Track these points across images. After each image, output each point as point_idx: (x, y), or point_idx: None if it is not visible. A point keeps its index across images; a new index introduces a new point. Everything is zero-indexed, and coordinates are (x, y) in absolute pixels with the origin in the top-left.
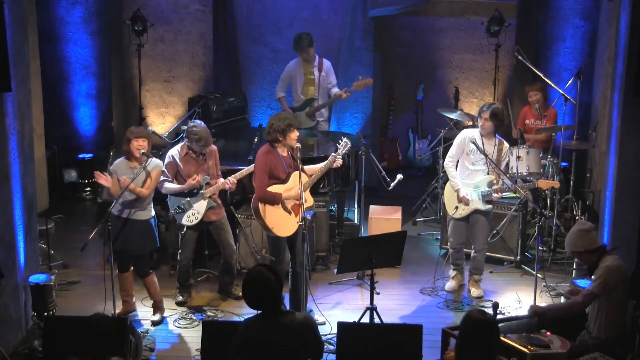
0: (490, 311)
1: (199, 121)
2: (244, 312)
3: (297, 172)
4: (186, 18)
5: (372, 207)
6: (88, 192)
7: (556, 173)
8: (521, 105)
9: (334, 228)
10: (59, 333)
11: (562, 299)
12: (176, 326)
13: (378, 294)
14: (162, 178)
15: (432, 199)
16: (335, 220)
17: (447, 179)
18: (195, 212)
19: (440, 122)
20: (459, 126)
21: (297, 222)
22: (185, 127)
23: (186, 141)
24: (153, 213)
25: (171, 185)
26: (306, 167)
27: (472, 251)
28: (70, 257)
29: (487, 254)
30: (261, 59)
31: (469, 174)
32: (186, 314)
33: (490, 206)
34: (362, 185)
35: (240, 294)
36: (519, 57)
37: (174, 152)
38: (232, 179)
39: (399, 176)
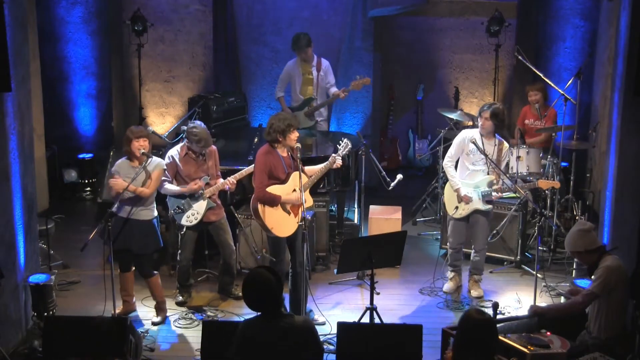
0: (490, 311)
1: (198, 122)
2: (244, 312)
3: (297, 173)
4: (186, 18)
5: (372, 207)
6: (88, 192)
7: (556, 173)
8: (521, 105)
9: (334, 228)
10: (59, 333)
11: (562, 299)
12: (176, 326)
13: (378, 294)
14: (162, 178)
15: (432, 199)
16: (335, 220)
17: (447, 179)
18: (194, 213)
19: (440, 122)
20: (459, 126)
21: (297, 223)
22: (185, 128)
23: (186, 142)
24: (156, 213)
25: (172, 187)
26: (306, 168)
27: (472, 251)
28: (70, 257)
29: (487, 254)
30: (261, 59)
31: (469, 174)
32: (186, 314)
33: (490, 206)
34: (362, 185)
35: (240, 294)
36: (519, 57)
37: (174, 152)
38: (232, 179)
39: (399, 176)
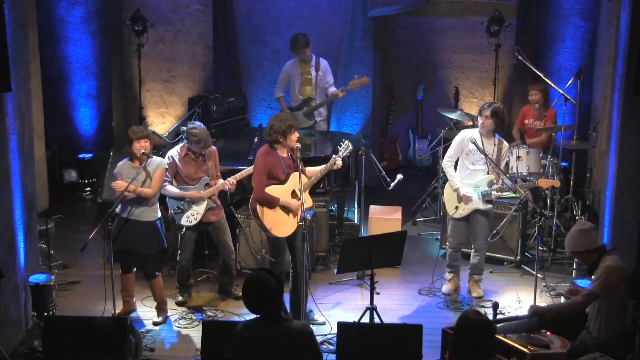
0: (490, 311)
1: (198, 122)
2: (243, 312)
3: (296, 173)
4: (186, 18)
5: (372, 207)
6: (88, 192)
7: (556, 173)
8: (521, 105)
9: (334, 228)
10: (59, 333)
11: (562, 299)
12: (176, 326)
13: (378, 294)
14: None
15: (432, 199)
16: (335, 220)
17: (447, 179)
18: (194, 213)
19: (440, 122)
20: (459, 126)
21: (296, 223)
22: (184, 128)
23: (185, 142)
24: (159, 214)
25: (172, 189)
26: (306, 169)
27: (472, 251)
28: (70, 257)
29: (487, 254)
30: (261, 59)
31: (469, 174)
32: (186, 314)
33: (490, 206)
34: (362, 185)
35: (240, 294)
36: (519, 57)
37: (174, 152)
38: (232, 180)
39: (399, 176)
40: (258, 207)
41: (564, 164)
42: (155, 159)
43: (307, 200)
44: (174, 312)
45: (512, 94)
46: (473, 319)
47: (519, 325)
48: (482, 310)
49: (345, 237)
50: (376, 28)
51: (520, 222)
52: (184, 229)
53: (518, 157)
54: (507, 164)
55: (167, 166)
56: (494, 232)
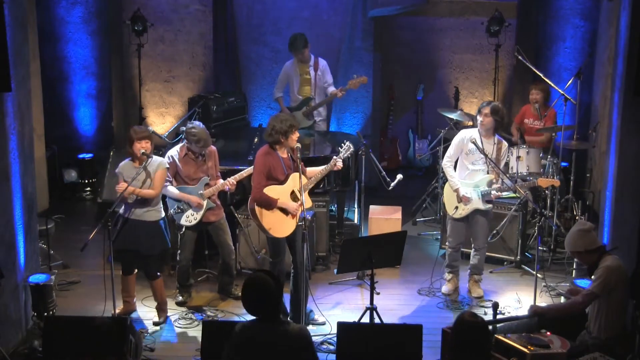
0: (490, 311)
1: (197, 122)
2: (243, 312)
3: (296, 174)
4: (186, 18)
5: (372, 207)
6: (88, 192)
7: (556, 173)
8: (521, 105)
9: (334, 228)
10: (59, 333)
11: (562, 299)
12: (176, 326)
13: (378, 294)
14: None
15: (432, 199)
16: (335, 220)
17: (447, 179)
18: (194, 213)
19: (440, 122)
20: (459, 126)
21: (295, 223)
22: (184, 128)
23: (185, 142)
24: (163, 214)
25: (173, 190)
26: (307, 169)
27: (472, 251)
28: (70, 257)
29: (487, 254)
30: (261, 59)
31: (469, 174)
32: (186, 314)
33: (490, 206)
34: (362, 185)
35: (240, 294)
36: (519, 57)
37: (174, 152)
38: (232, 180)
39: (399, 176)
40: (256, 208)
41: (564, 164)
42: (156, 159)
43: (307, 201)
44: (174, 312)
45: (512, 94)
46: (469, 321)
47: (519, 325)
48: (482, 310)
49: (345, 237)
50: (376, 28)
51: (520, 222)
52: (183, 229)
53: (518, 157)
54: (506, 164)
55: (167, 166)
56: (494, 232)
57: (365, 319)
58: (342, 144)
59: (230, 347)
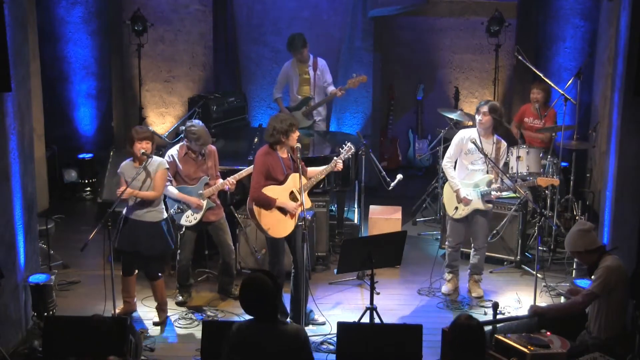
0: (490, 311)
1: (197, 121)
2: (243, 312)
3: (296, 174)
4: (186, 18)
5: (372, 207)
6: (88, 192)
7: (556, 173)
8: (521, 105)
9: (334, 228)
10: (59, 333)
11: (562, 299)
12: (176, 326)
13: (378, 294)
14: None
15: (432, 199)
16: (335, 220)
17: (447, 179)
18: (194, 213)
19: (440, 122)
20: (459, 126)
21: (294, 223)
22: (184, 127)
23: (185, 141)
24: (165, 215)
25: (174, 191)
26: (307, 169)
27: (472, 250)
28: (70, 257)
29: (487, 254)
30: (261, 59)
31: (469, 174)
32: (186, 314)
33: (490, 205)
34: (362, 185)
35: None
36: (519, 57)
37: (173, 152)
38: (232, 179)
39: (399, 176)
40: (255, 208)
41: (564, 164)
42: (156, 159)
43: (306, 202)
44: (174, 312)
45: (512, 94)
46: (464, 324)
47: (519, 325)
48: (482, 310)
49: (345, 237)
50: (376, 28)
51: (520, 222)
52: (183, 229)
53: (518, 157)
54: (506, 164)
55: (167, 166)
56: (494, 232)
57: (365, 319)
58: (344, 145)
59: (226, 347)
